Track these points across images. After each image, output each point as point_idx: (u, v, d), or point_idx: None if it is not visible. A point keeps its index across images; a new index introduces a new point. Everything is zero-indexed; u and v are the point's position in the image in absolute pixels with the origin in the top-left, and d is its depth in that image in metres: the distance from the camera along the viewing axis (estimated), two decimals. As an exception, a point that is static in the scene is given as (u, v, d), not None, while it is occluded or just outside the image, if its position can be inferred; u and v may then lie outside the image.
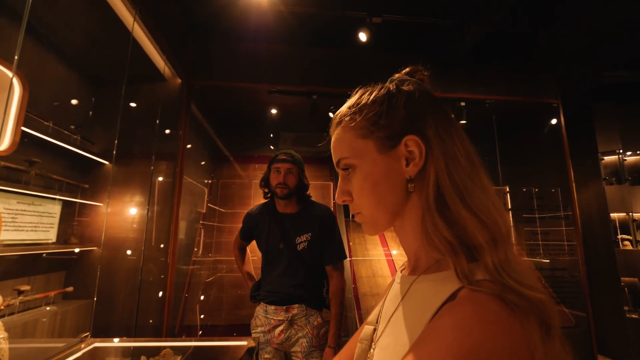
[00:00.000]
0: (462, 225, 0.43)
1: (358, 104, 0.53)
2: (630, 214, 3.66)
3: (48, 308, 1.96)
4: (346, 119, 0.53)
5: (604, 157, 3.78)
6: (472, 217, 0.43)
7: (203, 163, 3.78)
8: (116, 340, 1.47)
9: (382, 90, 0.53)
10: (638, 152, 3.82)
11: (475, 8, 2.44)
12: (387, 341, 0.48)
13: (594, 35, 2.87)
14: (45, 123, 1.87)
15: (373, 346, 0.52)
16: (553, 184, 3.42)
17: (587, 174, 3.81)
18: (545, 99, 3.26)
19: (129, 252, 2.31)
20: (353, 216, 0.55)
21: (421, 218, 0.47)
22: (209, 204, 3.65)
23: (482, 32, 2.61)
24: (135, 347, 1.41)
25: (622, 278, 3.46)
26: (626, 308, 3.39)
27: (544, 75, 3.29)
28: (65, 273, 2.23)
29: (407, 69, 0.58)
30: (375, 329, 0.54)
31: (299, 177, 1.71)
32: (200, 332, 2.65)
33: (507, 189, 4.08)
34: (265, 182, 1.75)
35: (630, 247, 3.61)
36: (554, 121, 3.34)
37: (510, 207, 3.81)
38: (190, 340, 1.44)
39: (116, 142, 2.09)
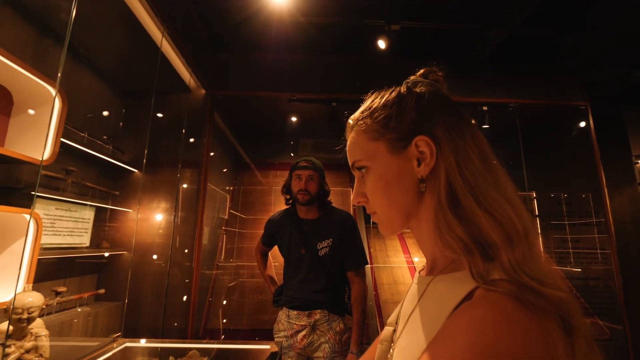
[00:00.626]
0: (476, 223, 0.42)
1: (370, 108, 0.55)
2: (669, 220, 3.44)
3: (79, 309, 2.06)
4: (359, 122, 0.55)
5: (639, 161, 3.59)
6: (486, 215, 0.42)
7: (225, 170, 3.88)
8: (144, 341, 1.53)
9: (392, 93, 0.55)
10: (676, 155, 3.60)
11: (495, 12, 2.41)
12: (406, 342, 0.48)
13: (620, 37, 2.76)
14: (81, 134, 2.00)
15: (392, 346, 0.52)
16: (583, 189, 3.29)
17: (620, 179, 3.62)
18: (572, 102, 3.16)
19: (155, 256, 2.41)
20: (372, 220, 0.57)
21: (434, 218, 0.47)
22: (231, 210, 3.74)
23: (502, 35, 2.57)
24: (162, 348, 1.46)
25: (661, 289, 3.25)
26: (667, 321, 3.18)
27: (570, 77, 3.19)
28: (97, 276, 2.35)
29: (422, 71, 0.58)
30: (394, 330, 0.54)
31: (320, 183, 1.73)
32: (223, 336, 2.70)
33: (534, 195, 3.95)
34: (286, 189, 1.79)
35: (669, 256, 3.39)
36: (582, 124, 3.23)
37: (537, 214, 3.68)
38: (216, 343, 1.48)
39: (146, 151, 2.19)
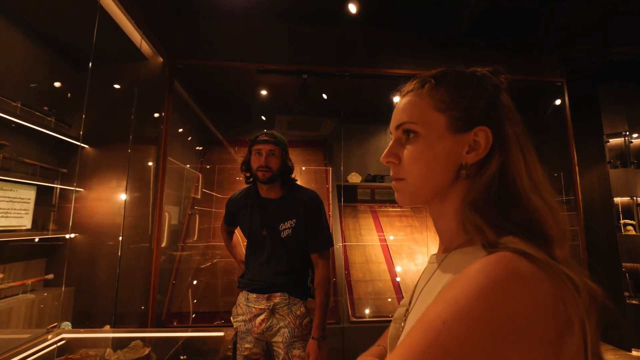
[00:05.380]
0: (538, 217, 0.44)
1: (445, 77, 0.53)
2: (635, 198, 3.54)
3: (21, 296, 1.89)
4: (428, 85, 0.53)
5: (610, 140, 3.63)
6: (550, 214, 0.44)
7: (200, 148, 3.68)
8: (86, 330, 1.41)
9: (471, 74, 0.53)
10: (645, 133, 3.66)
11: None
12: (416, 311, 0.50)
13: (602, 10, 2.69)
14: (13, 104, 1.76)
15: (403, 324, 0.54)
16: (555, 168, 3.30)
17: (591, 157, 3.67)
18: (549, 78, 3.10)
19: (110, 238, 2.24)
20: (393, 185, 0.55)
21: (461, 202, 0.49)
22: (204, 190, 3.57)
23: (482, 5, 2.43)
24: (106, 338, 1.35)
25: (623, 264, 3.37)
26: (626, 294, 3.32)
27: (548, 53, 3.12)
28: (47, 260, 2.17)
29: (489, 68, 0.55)
30: (407, 309, 0.55)
31: (282, 159, 1.60)
32: (194, 315, 2.60)
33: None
34: (246, 166, 1.65)
35: (633, 232, 3.51)
36: (557, 102, 3.20)
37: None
38: (164, 331, 1.37)
39: (82, 122, 1.98)
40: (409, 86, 0.57)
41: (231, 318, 1.59)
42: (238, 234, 1.85)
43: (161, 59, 2.47)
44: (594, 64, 3.30)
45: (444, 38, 2.89)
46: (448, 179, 0.51)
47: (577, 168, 3.11)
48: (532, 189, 0.46)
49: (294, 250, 1.56)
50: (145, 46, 2.26)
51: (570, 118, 3.07)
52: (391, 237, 3.37)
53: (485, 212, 0.46)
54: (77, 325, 2.02)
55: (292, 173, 1.67)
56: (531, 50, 3.10)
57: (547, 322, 0.34)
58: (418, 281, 0.57)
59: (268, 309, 1.50)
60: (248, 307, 1.53)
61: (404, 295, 2.78)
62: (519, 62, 3.07)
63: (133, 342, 1.22)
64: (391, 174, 0.56)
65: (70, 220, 1.95)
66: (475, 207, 0.46)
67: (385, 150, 0.55)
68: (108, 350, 1.16)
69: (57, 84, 2.29)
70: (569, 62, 3.19)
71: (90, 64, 1.79)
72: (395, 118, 0.55)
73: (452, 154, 0.50)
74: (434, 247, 3.28)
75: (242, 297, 1.59)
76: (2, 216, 1.73)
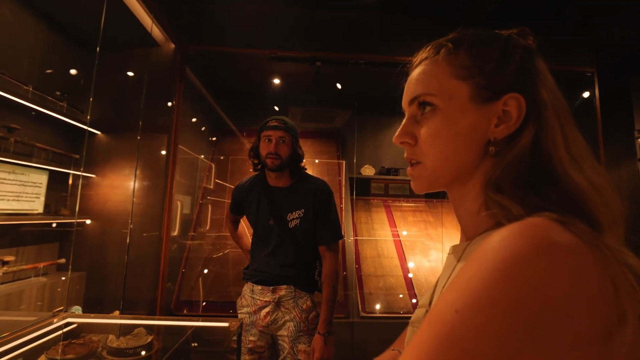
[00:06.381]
0: (580, 196, 0.37)
1: (465, 39, 0.46)
2: (667, 197, 3.32)
3: (34, 279, 1.91)
4: (445, 50, 0.46)
5: (641, 136, 3.42)
6: (595, 190, 0.37)
7: (214, 139, 3.67)
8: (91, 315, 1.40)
9: (495, 34, 0.47)
10: (681, 129, 3.42)
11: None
12: None
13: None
14: (25, 87, 1.76)
15: None
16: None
17: (620, 154, 3.47)
18: (578, 68, 2.92)
19: (122, 225, 2.25)
20: (409, 172, 0.49)
21: (487, 183, 0.42)
22: (217, 180, 3.56)
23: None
24: (110, 325, 1.33)
25: (652, 267, 3.18)
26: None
27: (577, 38, 2.93)
28: (59, 244, 2.19)
29: (514, 30, 0.48)
30: (427, 311, 0.48)
31: (292, 146, 1.54)
32: (204, 303, 2.60)
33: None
34: (254, 152, 1.60)
35: (664, 234, 3.30)
36: (586, 94, 3.01)
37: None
38: (170, 319, 1.35)
39: (90, 105, 1.96)
40: (422, 54, 0.49)
41: (237, 310, 1.56)
42: (244, 223, 1.81)
43: (172, 45, 2.44)
44: (630, 51, 3.08)
45: (463, 23, 2.74)
46: (473, 158, 0.44)
47: (603, 164, 2.93)
48: (571, 164, 0.39)
49: (301, 242, 1.51)
50: (156, 31, 2.24)
51: (600, 110, 2.89)
52: (404, 232, 3.28)
53: (514, 194, 0.38)
54: (88, 310, 2.04)
55: (302, 161, 1.61)
56: (559, 35, 2.90)
57: (590, 311, 0.27)
58: (438, 279, 0.50)
59: (273, 301, 1.45)
60: (253, 299, 1.49)
61: (415, 291, 2.70)
62: (545, 48, 2.87)
63: (136, 330, 1.20)
64: (405, 156, 0.49)
65: (77, 205, 1.96)
66: (498, 188, 0.40)
67: (398, 129, 0.48)
68: (110, 336, 1.14)
69: (72, 71, 2.29)
70: (601, 50, 2.98)
71: (98, 49, 1.77)
72: (408, 91, 0.48)
73: (477, 129, 0.43)
74: (448, 243, 3.18)
75: (247, 288, 1.56)
76: (14, 199, 1.74)
